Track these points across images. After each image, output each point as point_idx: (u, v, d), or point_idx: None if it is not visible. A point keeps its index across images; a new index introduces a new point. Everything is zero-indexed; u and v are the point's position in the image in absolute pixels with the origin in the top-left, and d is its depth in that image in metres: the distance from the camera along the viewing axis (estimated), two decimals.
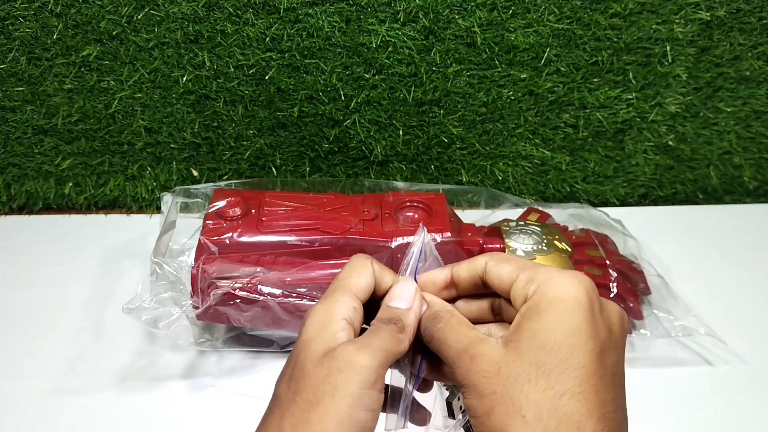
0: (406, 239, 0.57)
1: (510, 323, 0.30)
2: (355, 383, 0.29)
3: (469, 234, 0.61)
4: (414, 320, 0.33)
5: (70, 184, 0.77)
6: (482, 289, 0.34)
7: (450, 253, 0.58)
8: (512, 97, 0.74)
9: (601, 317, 0.29)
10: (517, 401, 0.27)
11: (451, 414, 0.35)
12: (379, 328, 0.32)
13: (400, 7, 0.67)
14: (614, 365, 0.28)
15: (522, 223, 0.64)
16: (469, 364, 0.29)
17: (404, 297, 0.33)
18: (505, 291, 0.31)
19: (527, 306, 0.29)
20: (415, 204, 0.62)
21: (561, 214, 0.72)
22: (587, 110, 0.75)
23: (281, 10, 0.67)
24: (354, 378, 0.29)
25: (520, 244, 0.61)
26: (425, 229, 0.37)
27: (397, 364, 0.34)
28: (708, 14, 0.70)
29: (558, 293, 0.28)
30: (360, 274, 0.33)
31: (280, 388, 0.32)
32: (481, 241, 0.61)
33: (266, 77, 0.70)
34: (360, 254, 0.35)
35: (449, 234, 0.57)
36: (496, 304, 0.34)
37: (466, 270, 0.34)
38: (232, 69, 0.70)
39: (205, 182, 0.73)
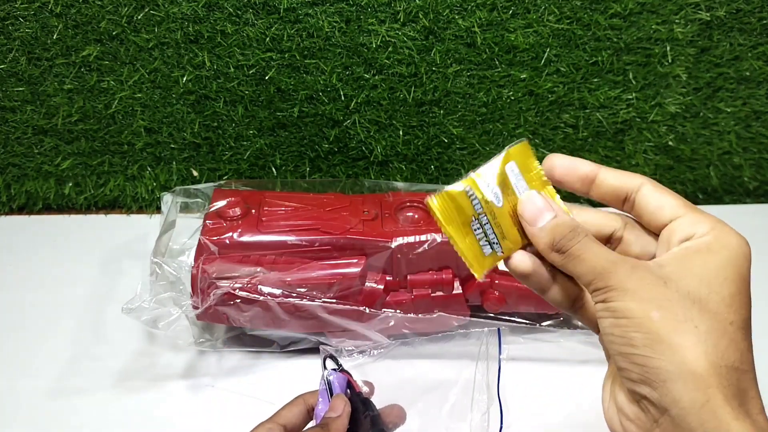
0: (406, 239, 0.57)
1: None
2: None
3: None
4: (340, 424, 0.41)
5: (70, 184, 0.77)
6: (617, 206, 0.33)
7: (450, 253, 0.58)
8: (512, 97, 0.74)
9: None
10: (688, 313, 0.27)
11: None
12: (306, 430, 0.41)
13: (400, 7, 0.67)
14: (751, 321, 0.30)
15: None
16: (630, 271, 0.29)
17: (335, 408, 0.42)
18: (658, 221, 0.31)
19: (696, 242, 0.29)
20: (415, 204, 0.62)
21: None
22: (587, 110, 0.75)
23: (281, 10, 0.67)
24: None
25: None
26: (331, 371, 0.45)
27: None
28: (708, 14, 0.70)
29: (732, 241, 0.30)
30: (288, 406, 0.43)
31: None
32: None
33: (266, 77, 0.70)
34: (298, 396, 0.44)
35: None
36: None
37: (616, 179, 0.33)
38: (232, 69, 0.70)
39: (205, 182, 0.73)
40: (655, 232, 0.32)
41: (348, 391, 0.45)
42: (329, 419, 0.41)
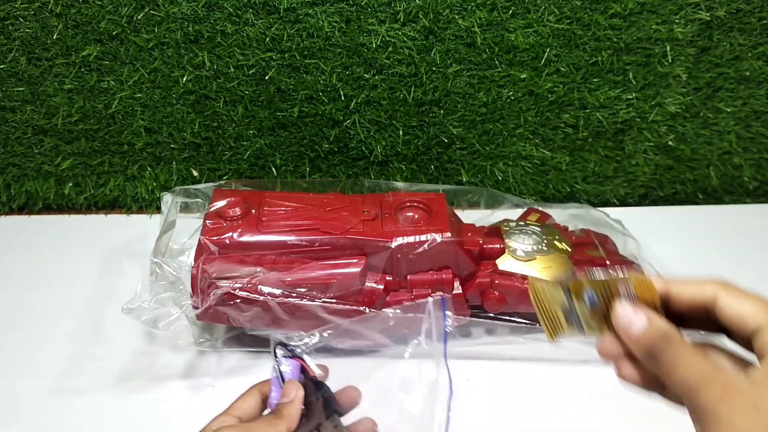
0: (406, 239, 0.57)
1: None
2: None
3: (469, 234, 0.61)
4: (293, 409, 0.41)
5: (70, 184, 0.78)
6: (698, 316, 0.32)
7: (450, 253, 0.58)
8: (512, 97, 0.74)
9: None
10: None
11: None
12: (263, 417, 0.41)
13: (400, 7, 0.67)
14: None
15: (522, 223, 0.64)
16: (720, 395, 0.27)
17: (288, 394, 0.42)
18: (744, 333, 0.30)
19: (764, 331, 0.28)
20: (415, 204, 0.62)
21: (561, 214, 0.72)
22: (587, 110, 0.75)
23: (281, 10, 0.67)
24: None
25: (520, 244, 0.61)
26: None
27: None
28: (708, 14, 0.70)
29: None
30: (244, 398, 0.43)
31: None
32: (481, 241, 0.61)
33: (266, 77, 0.70)
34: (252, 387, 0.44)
35: (449, 234, 0.57)
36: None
37: (690, 293, 0.32)
38: (232, 69, 0.70)
39: (205, 182, 0.73)
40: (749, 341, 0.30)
41: (301, 376, 0.45)
42: (282, 405, 0.41)
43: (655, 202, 0.85)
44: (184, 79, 0.70)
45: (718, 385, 0.28)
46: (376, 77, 0.71)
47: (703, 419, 0.28)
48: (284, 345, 0.46)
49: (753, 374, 0.28)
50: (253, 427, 0.39)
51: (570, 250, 0.61)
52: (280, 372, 0.44)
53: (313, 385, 0.44)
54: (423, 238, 0.57)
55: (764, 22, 0.71)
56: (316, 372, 0.46)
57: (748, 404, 0.27)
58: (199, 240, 0.56)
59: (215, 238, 0.56)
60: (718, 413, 0.27)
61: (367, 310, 0.55)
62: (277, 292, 0.54)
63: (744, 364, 0.31)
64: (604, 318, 0.34)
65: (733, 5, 0.70)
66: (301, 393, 0.42)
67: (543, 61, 0.71)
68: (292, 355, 0.46)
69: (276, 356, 0.46)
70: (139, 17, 0.67)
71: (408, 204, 0.62)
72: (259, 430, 0.39)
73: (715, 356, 0.32)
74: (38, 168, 0.77)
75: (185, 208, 0.66)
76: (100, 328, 0.63)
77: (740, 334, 0.30)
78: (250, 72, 0.70)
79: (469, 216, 0.72)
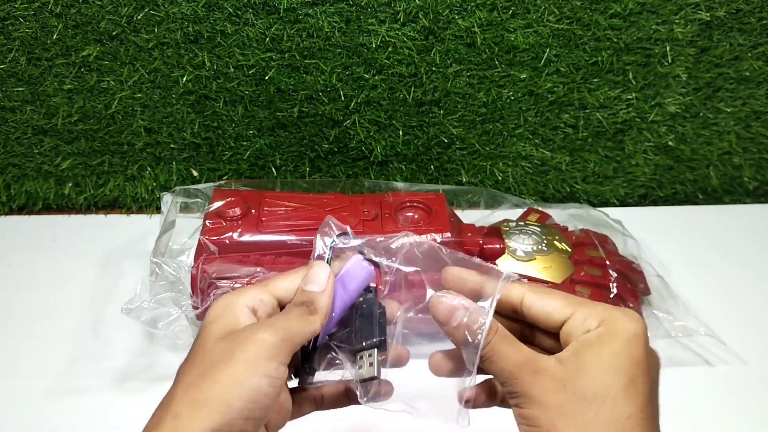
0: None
1: (539, 349, 0.33)
2: (252, 352, 0.30)
3: (469, 234, 0.61)
4: (327, 302, 0.34)
5: (70, 184, 0.78)
6: (510, 314, 0.34)
7: None
8: (512, 97, 0.74)
9: (652, 352, 0.31)
10: (586, 417, 0.28)
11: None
12: (289, 310, 0.33)
13: (400, 7, 0.67)
14: (657, 395, 0.31)
15: (522, 223, 0.64)
16: (532, 377, 0.30)
17: (318, 281, 0.34)
18: (552, 325, 0.32)
19: (589, 336, 0.30)
20: (415, 204, 0.62)
21: (561, 214, 0.72)
22: (587, 110, 0.75)
23: (281, 10, 0.67)
24: (251, 348, 0.30)
25: (520, 244, 0.61)
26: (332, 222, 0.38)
27: None
28: (708, 14, 0.70)
29: (621, 328, 0.30)
30: (286, 276, 0.35)
31: (178, 370, 0.33)
32: (481, 242, 0.61)
33: (266, 77, 0.70)
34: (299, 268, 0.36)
35: (449, 234, 0.57)
36: (526, 332, 0.34)
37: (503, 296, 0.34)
38: (232, 69, 0.70)
39: (205, 182, 0.73)
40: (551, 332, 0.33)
41: (369, 290, 0.36)
42: (315, 296, 0.33)
43: (655, 202, 0.85)
44: (184, 79, 0.70)
45: (530, 369, 0.30)
46: (376, 77, 0.71)
47: (519, 404, 0.30)
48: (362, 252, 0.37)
49: (560, 357, 0.30)
50: (287, 324, 0.32)
51: (570, 250, 0.61)
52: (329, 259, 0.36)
53: (377, 306, 0.35)
54: (423, 238, 0.57)
55: (764, 22, 0.71)
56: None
57: (556, 382, 0.29)
58: (199, 240, 0.56)
59: (215, 238, 0.56)
60: (532, 394, 0.29)
61: None
62: None
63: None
64: None
65: (733, 5, 0.70)
66: (332, 285, 0.34)
67: (543, 61, 0.71)
68: (369, 259, 0.37)
69: (331, 242, 0.37)
70: (139, 17, 0.67)
71: (408, 204, 0.62)
72: (294, 328, 0.32)
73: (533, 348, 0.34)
74: (38, 168, 0.77)
75: (185, 208, 0.66)
76: (100, 328, 0.63)
77: (550, 327, 0.32)
78: (250, 72, 0.70)
79: (469, 216, 0.72)
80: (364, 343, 0.34)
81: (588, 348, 0.30)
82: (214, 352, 0.31)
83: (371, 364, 0.34)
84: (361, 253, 0.36)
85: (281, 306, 0.34)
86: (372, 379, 0.33)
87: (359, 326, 0.35)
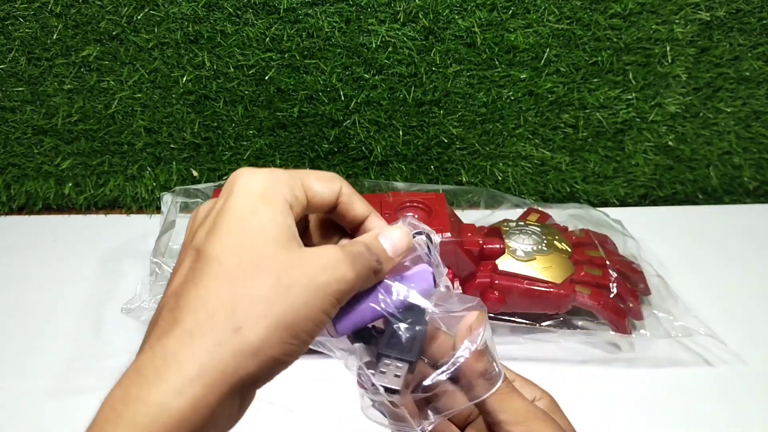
0: None
1: None
2: (335, 287, 0.26)
3: (469, 234, 0.61)
4: (388, 270, 0.30)
5: (70, 184, 0.78)
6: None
7: (450, 254, 0.58)
8: (512, 97, 0.74)
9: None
10: None
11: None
12: (365, 254, 0.29)
13: (400, 7, 0.67)
14: None
15: (522, 223, 0.64)
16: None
17: (395, 244, 0.30)
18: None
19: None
20: (415, 204, 0.62)
21: (561, 214, 0.72)
22: (587, 110, 0.75)
23: (281, 10, 0.67)
24: (334, 283, 0.26)
25: (520, 244, 0.61)
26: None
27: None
28: (708, 14, 0.70)
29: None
30: (321, 178, 0.30)
31: (208, 248, 0.26)
32: (481, 242, 0.61)
33: (266, 77, 0.70)
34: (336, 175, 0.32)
35: (449, 234, 0.57)
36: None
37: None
38: (232, 69, 0.70)
39: (205, 182, 0.73)
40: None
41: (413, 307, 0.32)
42: (385, 256, 0.30)
43: (655, 202, 0.85)
44: (184, 79, 0.70)
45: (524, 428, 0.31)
46: (376, 77, 0.71)
47: None
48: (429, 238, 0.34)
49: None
50: (364, 271, 0.28)
51: (570, 250, 0.61)
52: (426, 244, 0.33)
53: (423, 325, 0.31)
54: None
55: (764, 22, 0.71)
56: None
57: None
58: None
59: None
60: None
61: None
62: None
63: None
64: None
65: (733, 5, 0.70)
66: (400, 258, 0.31)
67: (543, 61, 0.71)
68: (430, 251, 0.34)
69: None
70: (139, 17, 0.67)
71: (408, 204, 0.62)
72: (363, 275, 0.28)
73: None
74: (38, 168, 0.77)
75: (185, 208, 0.66)
76: (100, 328, 0.63)
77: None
78: (250, 72, 0.70)
79: (469, 216, 0.72)
80: (395, 353, 0.31)
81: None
82: (275, 259, 0.26)
83: (397, 376, 0.30)
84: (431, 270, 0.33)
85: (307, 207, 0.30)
86: (391, 391, 0.30)
87: (396, 333, 0.31)
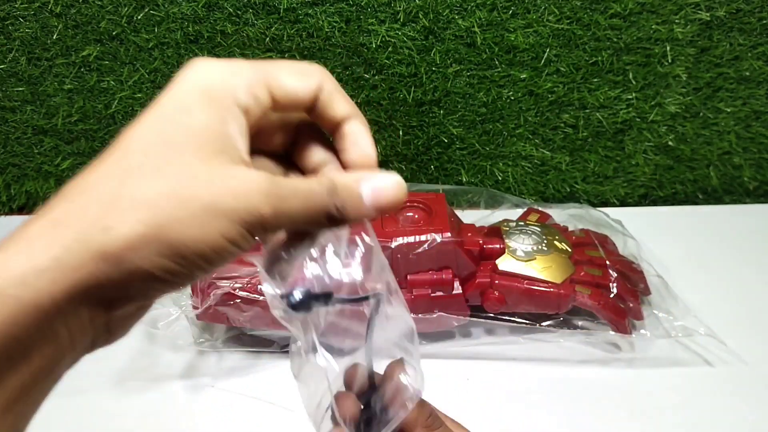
0: (406, 239, 0.57)
1: None
2: (243, 210, 0.22)
3: (469, 234, 0.61)
4: (355, 220, 0.25)
5: None
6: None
7: (450, 253, 0.58)
8: (512, 97, 0.74)
9: None
10: None
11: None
12: (319, 193, 0.24)
13: (400, 7, 0.67)
14: None
15: (522, 223, 0.64)
16: None
17: (380, 195, 0.26)
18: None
19: None
20: (415, 204, 0.62)
21: (561, 214, 0.72)
22: (587, 110, 0.75)
23: (281, 10, 0.67)
24: (242, 215, 0.22)
25: (520, 244, 0.61)
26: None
27: None
28: (708, 14, 0.70)
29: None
30: (294, 69, 0.25)
31: (132, 128, 0.24)
32: (481, 242, 0.61)
33: None
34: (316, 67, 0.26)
35: (449, 234, 0.57)
36: None
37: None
38: None
39: None
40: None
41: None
42: (356, 203, 0.25)
43: (655, 202, 0.85)
44: None
45: None
46: (376, 77, 0.71)
47: None
48: None
49: None
50: (295, 203, 0.23)
51: (570, 250, 0.61)
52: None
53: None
54: (423, 238, 0.57)
55: (764, 22, 0.71)
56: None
57: None
58: None
59: None
60: None
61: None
62: None
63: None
64: None
65: (733, 5, 0.70)
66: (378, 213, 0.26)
67: (543, 61, 0.71)
68: None
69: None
70: (139, 17, 0.67)
71: (408, 204, 0.62)
72: (298, 215, 0.24)
73: None
74: (38, 168, 0.77)
75: None
76: None
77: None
78: None
79: (469, 216, 0.72)
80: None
81: None
82: (191, 159, 0.22)
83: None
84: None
85: (275, 108, 0.25)
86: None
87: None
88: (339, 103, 0.26)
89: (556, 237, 0.63)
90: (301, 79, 0.25)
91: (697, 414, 0.55)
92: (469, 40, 0.70)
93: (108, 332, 0.24)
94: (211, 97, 0.23)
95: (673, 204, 0.84)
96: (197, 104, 0.23)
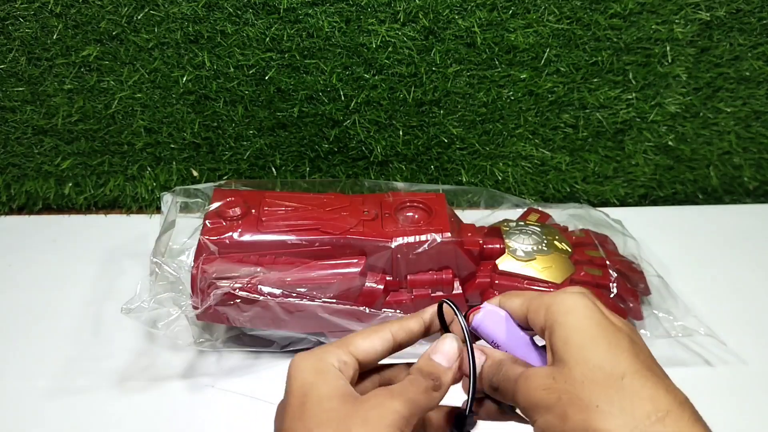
0: (406, 239, 0.57)
1: None
2: (386, 419, 0.29)
3: (469, 234, 0.61)
4: (451, 380, 0.32)
5: (70, 184, 0.77)
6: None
7: (450, 253, 0.58)
8: (512, 97, 0.74)
9: (611, 313, 0.32)
10: (584, 397, 0.28)
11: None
12: (416, 380, 0.31)
13: (400, 7, 0.67)
14: (644, 347, 0.31)
15: (522, 223, 0.64)
16: (526, 385, 0.30)
17: (447, 355, 0.32)
18: (522, 322, 0.34)
19: (548, 327, 0.31)
20: (415, 204, 0.62)
21: (561, 214, 0.72)
22: (587, 110, 0.75)
23: (281, 10, 0.67)
24: (385, 415, 0.29)
25: (520, 244, 0.61)
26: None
27: None
28: (708, 14, 0.70)
29: (566, 305, 0.31)
30: (367, 335, 0.34)
31: (286, 424, 0.31)
32: (481, 242, 0.61)
33: (266, 77, 0.70)
34: (383, 324, 0.35)
35: (449, 234, 0.57)
36: None
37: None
38: (232, 69, 0.70)
39: (205, 182, 0.73)
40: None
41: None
42: (441, 371, 0.32)
43: (655, 202, 0.85)
44: (184, 79, 0.70)
45: (523, 378, 0.30)
46: (376, 77, 0.71)
47: (534, 415, 0.29)
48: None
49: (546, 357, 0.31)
50: (416, 397, 0.30)
51: (570, 250, 0.61)
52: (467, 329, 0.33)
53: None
54: (423, 238, 0.57)
55: (764, 22, 0.71)
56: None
57: (546, 380, 0.29)
58: (199, 240, 0.56)
59: (215, 238, 0.56)
60: (533, 402, 0.29)
61: (367, 310, 0.55)
62: (277, 292, 0.54)
63: None
64: None
65: (733, 5, 0.70)
66: (457, 366, 0.32)
67: (543, 61, 0.71)
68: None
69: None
70: (139, 17, 0.67)
71: (408, 204, 0.62)
72: (421, 402, 0.31)
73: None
74: (38, 168, 0.77)
75: (185, 208, 0.66)
76: (100, 328, 0.63)
77: (524, 324, 0.34)
78: (250, 72, 0.70)
79: (469, 216, 0.72)
80: None
81: (552, 337, 0.30)
82: (341, 412, 0.29)
83: None
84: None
85: (361, 367, 0.33)
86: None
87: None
88: (412, 332, 0.35)
89: (556, 237, 0.63)
90: (372, 339, 0.33)
91: None
92: (469, 40, 0.69)
93: None
94: (318, 371, 0.31)
95: (673, 204, 0.84)
96: (314, 380, 0.31)
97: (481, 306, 0.35)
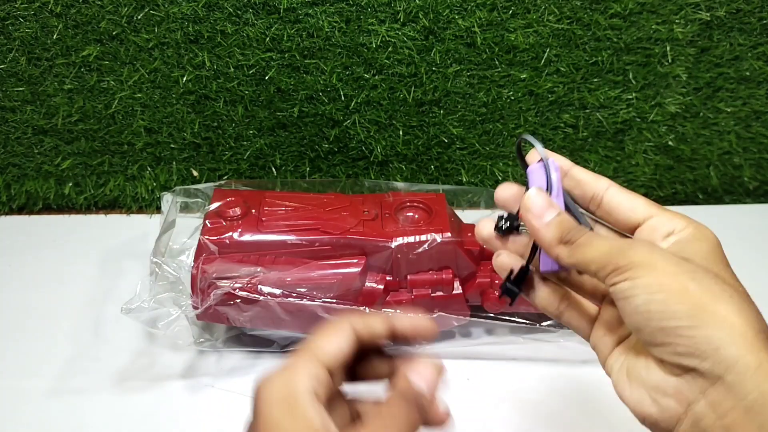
0: (406, 239, 0.57)
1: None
2: None
3: (470, 234, 0.61)
4: (434, 397, 0.31)
5: (70, 184, 0.77)
6: (584, 204, 0.36)
7: (450, 253, 0.58)
8: (512, 97, 0.74)
9: None
10: (719, 285, 0.28)
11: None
12: (396, 410, 0.29)
13: (400, 7, 0.67)
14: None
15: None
16: (650, 248, 0.29)
17: (426, 379, 0.31)
18: (630, 222, 0.33)
19: (682, 235, 0.32)
20: (415, 204, 0.62)
21: None
22: (587, 110, 0.75)
23: (281, 10, 0.67)
24: None
25: None
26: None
27: None
28: (708, 14, 0.70)
29: (708, 233, 0.32)
30: (330, 336, 0.31)
31: None
32: None
33: (266, 77, 0.70)
34: (341, 318, 0.32)
35: (449, 234, 0.57)
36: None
37: (587, 175, 0.35)
38: (232, 69, 0.70)
39: (205, 182, 0.73)
40: (622, 231, 0.34)
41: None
42: (422, 395, 0.30)
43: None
44: (184, 79, 0.70)
45: (645, 243, 0.30)
46: (376, 77, 0.71)
47: (639, 276, 0.28)
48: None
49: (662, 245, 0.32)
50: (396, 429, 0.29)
51: None
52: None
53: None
54: (423, 238, 0.57)
55: (764, 22, 0.71)
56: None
57: (674, 255, 0.29)
58: (199, 240, 0.56)
59: (215, 238, 0.56)
60: (652, 263, 0.28)
61: (367, 310, 0.55)
62: (277, 292, 0.54)
63: None
64: None
65: (733, 5, 0.70)
66: (436, 390, 0.31)
67: (543, 61, 0.71)
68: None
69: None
70: (139, 17, 0.67)
71: (408, 204, 0.62)
72: None
73: None
74: (38, 168, 0.77)
75: (185, 208, 0.66)
76: (100, 328, 0.63)
77: (625, 223, 0.34)
78: (250, 72, 0.70)
79: (469, 216, 0.72)
80: None
81: (687, 243, 0.31)
82: None
83: None
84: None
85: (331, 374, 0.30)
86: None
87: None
88: (377, 330, 0.33)
89: None
90: (334, 338, 0.31)
91: None
92: (469, 40, 0.70)
93: None
94: (289, 405, 0.28)
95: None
96: (285, 417, 0.28)
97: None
